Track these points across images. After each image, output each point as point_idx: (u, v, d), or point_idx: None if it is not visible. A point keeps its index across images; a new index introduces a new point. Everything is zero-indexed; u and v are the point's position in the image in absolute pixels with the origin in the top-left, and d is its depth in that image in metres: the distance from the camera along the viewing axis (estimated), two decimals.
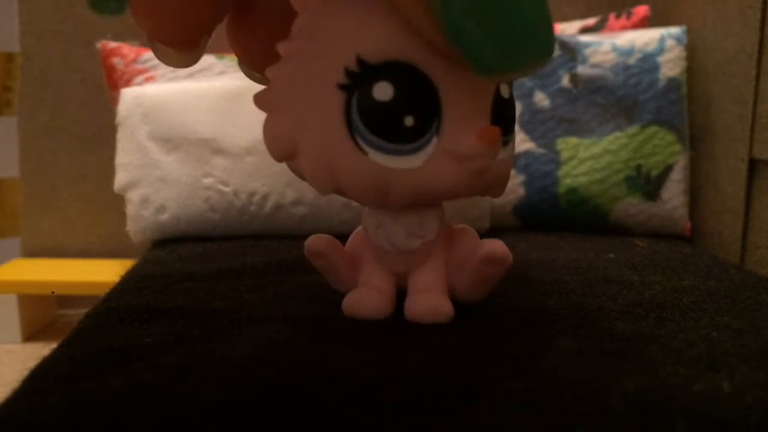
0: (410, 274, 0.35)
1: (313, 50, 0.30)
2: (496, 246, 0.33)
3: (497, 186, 0.34)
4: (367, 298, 0.35)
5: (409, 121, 0.29)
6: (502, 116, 0.32)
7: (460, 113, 0.30)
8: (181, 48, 0.32)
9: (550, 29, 0.25)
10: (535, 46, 0.26)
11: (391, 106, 0.29)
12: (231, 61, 0.83)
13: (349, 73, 0.29)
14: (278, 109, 0.31)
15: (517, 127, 0.79)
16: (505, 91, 0.32)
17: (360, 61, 0.29)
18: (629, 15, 0.88)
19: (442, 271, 0.35)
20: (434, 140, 0.30)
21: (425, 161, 0.30)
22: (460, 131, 0.30)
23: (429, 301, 0.34)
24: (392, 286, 0.36)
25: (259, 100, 0.31)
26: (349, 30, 0.29)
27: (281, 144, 0.31)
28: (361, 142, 0.29)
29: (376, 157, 0.30)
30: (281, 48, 0.31)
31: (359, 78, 0.29)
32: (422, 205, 0.33)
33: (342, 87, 0.29)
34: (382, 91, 0.29)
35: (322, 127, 0.30)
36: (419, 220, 0.33)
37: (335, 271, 0.37)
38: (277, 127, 0.31)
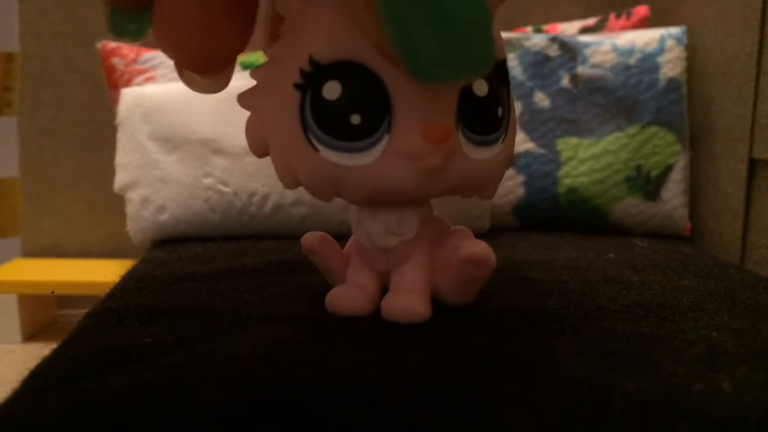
0: (392, 272, 0.35)
1: (284, 53, 0.31)
2: (477, 246, 0.33)
3: (472, 187, 0.33)
4: (347, 295, 0.35)
5: (355, 119, 0.29)
6: (475, 115, 0.31)
7: (412, 112, 0.29)
8: (208, 74, 0.32)
9: (489, 42, 0.25)
10: (473, 58, 0.26)
11: (339, 104, 0.30)
12: None
13: (302, 73, 0.30)
14: (256, 108, 0.32)
15: (517, 127, 0.79)
16: (480, 89, 0.31)
17: (312, 61, 0.30)
18: (629, 15, 0.88)
19: (424, 270, 0.35)
20: (385, 138, 0.30)
21: (376, 159, 0.30)
22: (410, 130, 0.29)
23: (404, 300, 0.34)
24: (375, 284, 0.36)
25: (241, 99, 0.33)
26: (309, 32, 0.30)
27: (255, 142, 0.33)
28: (313, 139, 0.30)
29: (327, 154, 0.30)
30: (267, 52, 0.32)
31: (311, 78, 0.30)
32: (396, 204, 0.33)
33: (297, 86, 0.30)
34: (331, 90, 0.29)
35: (282, 126, 0.31)
36: (397, 218, 0.33)
37: (329, 267, 0.38)
38: (252, 125, 0.33)
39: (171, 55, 0.31)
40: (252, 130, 0.33)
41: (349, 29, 0.28)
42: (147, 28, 0.31)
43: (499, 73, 0.32)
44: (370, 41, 0.27)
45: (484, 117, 0.31)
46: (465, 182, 0.32)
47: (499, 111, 0.32)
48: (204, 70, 0.31)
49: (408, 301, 0.34)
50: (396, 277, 0.35)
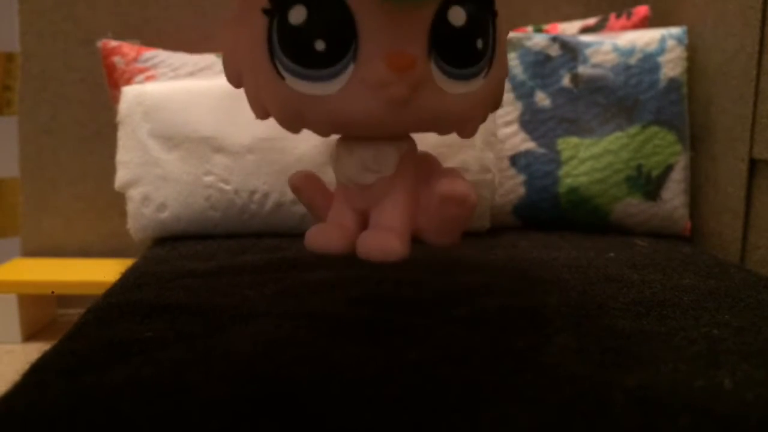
0: (371, 210, 0.34)
1: None
2: (456, 185, 0.31)
3: (446, 123, 0.32)
4: (324, 233, 0.35)
5: (320, 45, 0.29)
6: (450, 46, 0.30)
7: (378, 39, 0.28)
8: None
9: None
10: None
11: (304, 29, 0.29)
12: None
13: None
14: (232, 37, 0.32)
15: (517, 127, 0.80)
16: (457, 19, 0.29)
17: None
18: (629, 15, 0.88)
19: (404, 209, 0.33)
20: (351, 67, 0.29)
21: (341, 88, 0.29)
22: (374, 58, 0.29)
23: (379, 238, 0.33)
24: (355, 223, 0.35)
25: (222, 28, 0.32)
26: None
27: (230, 71, 0.32)
28: (280, 67, 0.30)
29: (292, 82, 0.30)
30: None
31: (278, 2, 0.29)
32: (374, 139, 0.32)
33: (265, 11, 0.29)
34: (297, 15, 0.29)
35: (251, 53, 0.30)
36: (373, 154, 0.32)
37: (314, 205, 0.38)
38: (228, 54, 0.32)
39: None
40: (227, 59, 0.32)
41: None
42: None
43: (480, 2, 0.30)
44: None
45: (460, 48, 0.30)
46: (437, 117, 0.31)
47: (479, 43, 0.30)
48: None
49: (383, 239, 0.33)
50: (374, 215, 0.34)
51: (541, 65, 0.77)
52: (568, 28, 0.89)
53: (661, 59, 0.76)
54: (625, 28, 0.87)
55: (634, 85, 0.76)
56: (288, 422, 0.23)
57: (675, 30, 0.78)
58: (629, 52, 0.77)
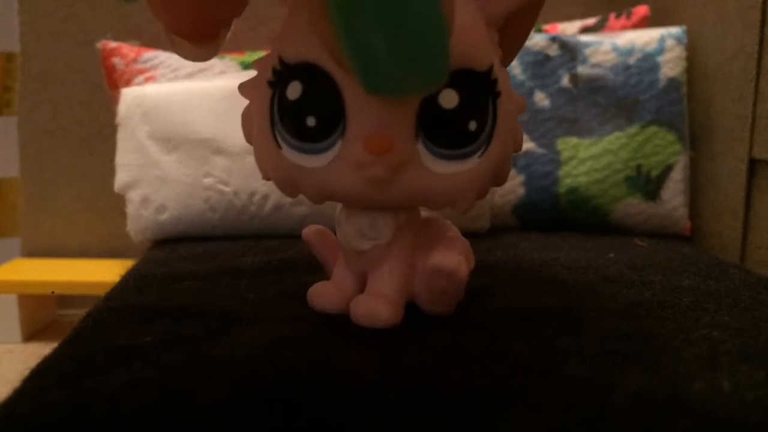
0: (368, 275, 0.35)
1: (273, 48, 0.31)
2: (446, 258, 0.32)
3: (435, 200, 0.32)
4: (324, 292, 0.36)
5: (311, 121, 0.30)
6: (439, 128, 0.30)
7: (361, 120, 0.29)
8: (199, 42, 0.32)
9: (442, 55, 0.24)
10: (425, 72, 0.25)
11: (298, 104, 0.30)
12: (231, 61, 0.83)
13: (274, 70, 0.31)
14: (250, 98, 0.33)
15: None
16: (448, 101, 0.29)
17: (281, 60, 0.30)
18: (629, 15, 0.88)
19: (398, 275, 0.34)
20: (339, 144, 0.30)
21: (328, 163, 0.30)
22: (356, 138, 0.29)
23: (367, 304, 0.33)
24: (353, 284, 0.36)
25: (241, 88, 0.33)
26: (284, 30, 0.31)
27: (246, 130, 0.33)
28: (278, 136, 0.31)
29: (287, 152, 0.31)
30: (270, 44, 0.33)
31: (280, 76, 0.30)
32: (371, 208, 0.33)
33: (269, 84, 0.31)
34: (293, 90, 0.30)
35: (259, 120, 0.32)
36: (369, 222, 0.33)
37: (323, 262, 0.39)
38: (246, 114, 0.33)
39: (163, 20, 0.30)
40: (245, 118, 0.33)
41: (311, 31, 0.28)
42: None
43: (477, 85, 0.30)
44: (326, 47, 0.27)
45: (450, 130, 0.30)
46: (423, 195, 0.31)
47: (472, 125, 0.30)
48: (195, 37, 0.31)
49: (372, 305, 0.33)
50: (371, 280, 0.35)
51: (540, 65, 0.77)
52: (568, 28, 0.89)
53: (661, 59, 0.77)
54: (624, 28, 0.87)
55: (633, 85, 0.76)
56: (289, 424, 0.23)
57: (674, 30, 0.78)
58: (629, 52, 0.77)
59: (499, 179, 0.33)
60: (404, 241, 0.34)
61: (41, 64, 1.01)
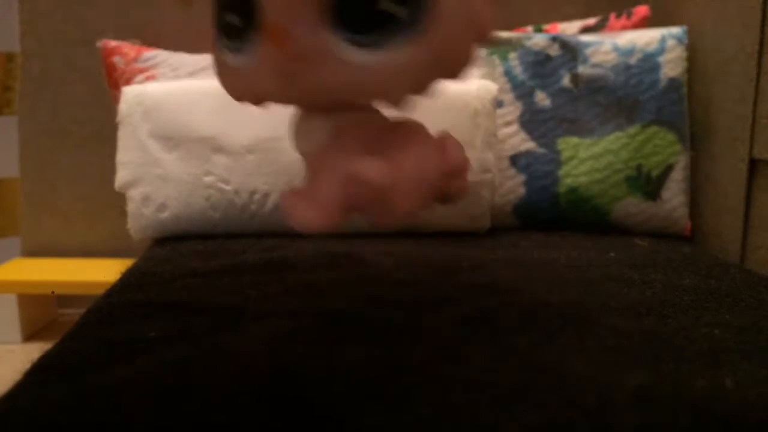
0: (311, 177, 0.34)
1: None
2: (369, 166, 0.30)
3: (359, 93, 0.29)
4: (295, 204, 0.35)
5: (232, 18, 0.30)
6: (351, 12, 0.27)
7: (268, 12, 0.28)
8: None
9: None
10: None
11: (220, 3, 0.31)
12: None
13: None
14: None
15: (517, 127, 0.80)
16: None
17: None
18: (629, 15, 0.88)
19: (334, 180, 0.32)
20: (257, 41, 0.29)
21: (249, 61, 0.30)
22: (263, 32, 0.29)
23: (298, 209, 0.32)
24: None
25: None
26: None
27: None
28: (218, 41, 0.32)
29: (222, 54, 0.31)
30: None
31: None
32: (317, 110, 0.32)
33: None
34: None
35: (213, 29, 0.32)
36: (307, 125, 0.33)
37: None
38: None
39: None
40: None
41: None
42: None
43: None
44: None
45: (362, 12, 0.27)
46: (340, 88, 0.29)
47: (388, 4, 0.27)
48: None
49: (301, 209, 0.32)
50: (309, 181, 0.34)
51: (541, 65, 0.77)
52: (568, 28, 0.89)
53: (661, 59, 0.77)
54: (625, 28, 0.87)
55: (634, 85, 0.76)
56: (291, 420, 0.23)
57: (675, 30, 0.78)
58: (629, 52, 0.77)
59: (449, 70, 0.30)
60: (346, 144, 0.32)
61: (41, 64, 1.01)
